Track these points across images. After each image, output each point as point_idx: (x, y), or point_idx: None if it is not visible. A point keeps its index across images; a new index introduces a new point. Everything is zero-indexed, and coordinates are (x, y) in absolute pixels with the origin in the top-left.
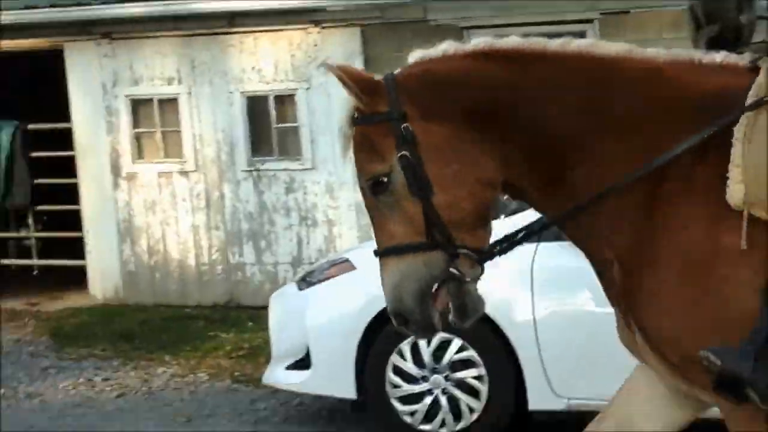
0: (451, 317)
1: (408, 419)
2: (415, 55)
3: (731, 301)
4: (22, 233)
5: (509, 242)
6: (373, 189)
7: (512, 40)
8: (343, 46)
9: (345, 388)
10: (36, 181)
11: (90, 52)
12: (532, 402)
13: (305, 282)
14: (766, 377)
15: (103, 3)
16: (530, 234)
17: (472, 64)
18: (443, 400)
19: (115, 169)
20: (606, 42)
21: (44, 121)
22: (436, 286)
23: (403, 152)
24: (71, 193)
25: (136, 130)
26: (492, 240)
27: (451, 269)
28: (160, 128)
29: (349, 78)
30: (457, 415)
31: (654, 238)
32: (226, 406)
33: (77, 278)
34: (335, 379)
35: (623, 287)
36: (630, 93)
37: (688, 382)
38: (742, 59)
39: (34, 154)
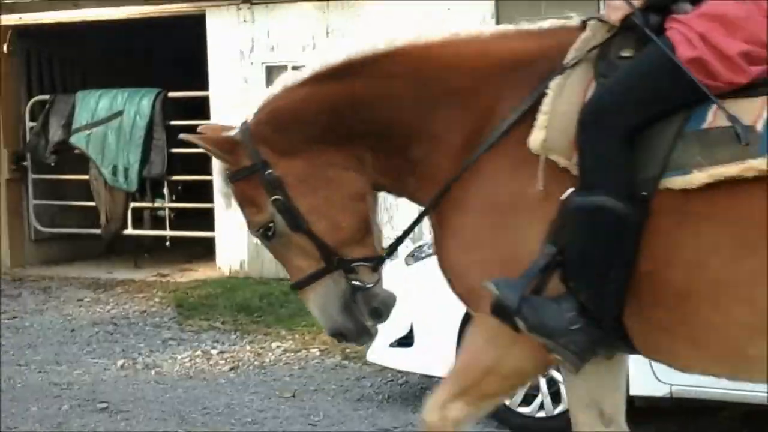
0: (369, 323)
1: (506, 401)
2: (261, 97)
3: (520, 240)
4: (157, 203)
5: (396, 242)
6: (264, 236)
7: (343, 54)
8: (475, 16)
9: (446, 367)
10: (171, 150)
11: (230, 18)
12: (633, 387)
13: (413, 257)
14: (530, 310)
15: None
16: (412, 228)
17: (309, 90)
18: (542, 382)
19: None
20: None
21: (185, 89)
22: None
23: (275, 197)
24: (205, 164)
25: None
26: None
27: (353, 282)
28: None
29: (208, 143)
30: (556, 399)
31: (468, 186)
32: (333, 382)
33: (208, 250)
34: (437, 357)
35: (436, 235)
36: (457, 71)
37: (474, 311)
38: (573, 21)
39: (172, 123)
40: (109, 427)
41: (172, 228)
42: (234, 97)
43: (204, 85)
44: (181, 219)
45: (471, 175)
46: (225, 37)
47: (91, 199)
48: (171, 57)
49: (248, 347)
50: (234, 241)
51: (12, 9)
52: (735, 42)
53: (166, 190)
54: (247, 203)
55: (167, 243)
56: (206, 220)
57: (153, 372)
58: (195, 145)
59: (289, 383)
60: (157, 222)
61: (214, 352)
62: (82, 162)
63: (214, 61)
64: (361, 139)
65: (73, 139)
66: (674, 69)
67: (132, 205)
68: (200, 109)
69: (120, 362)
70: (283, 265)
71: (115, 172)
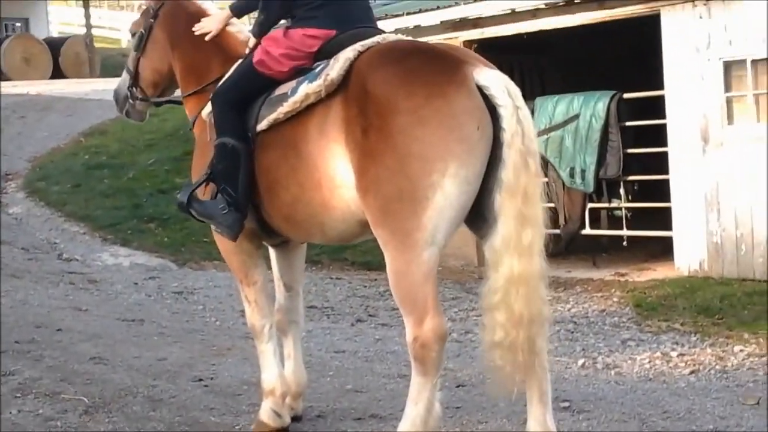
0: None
1: None
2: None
3: (201, 165)
4: (614, 203)
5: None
6: None
7: None
8: None
9: None
10: (626, 151)
11: (685, 15)
12: None
13: None
14: (197, 204)
15: None
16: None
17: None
18: None
19: (704, 136)
20: None
21: (639, 90)
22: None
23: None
24: (660, 163)
25: (728, 94)
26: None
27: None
28: (752, 91)
29: None
30: None
31: (198, 129)
32: None
33: (665, 250)
34: None
35: None
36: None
37: None
38: None
39: (626, 124)
40: (572, 427)
41: (629, 227)
42: (689, 94)
43: (658, 84)
44: (637, 218)
45: (201, 130)
46: (680, 34)
47: (550, 201)
48: (625, 58)
49: (709, 350)
50: (693, 240)
51: (476, 24)
52: (278, 48)
53: (622, 190)
54: None
55: (624, 242)
56: (663, 219)
57: (612, 372)
58: (651, 145)
59: (754, 390)
60: (614, 222)
61: (673, 354)
62: (541, 165)
63: (669, 60)
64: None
65: None
66: (251, 67)
67: (589, 205)
68: (655, 108)
69: (580, 361)
70: None
71: (572, 174)
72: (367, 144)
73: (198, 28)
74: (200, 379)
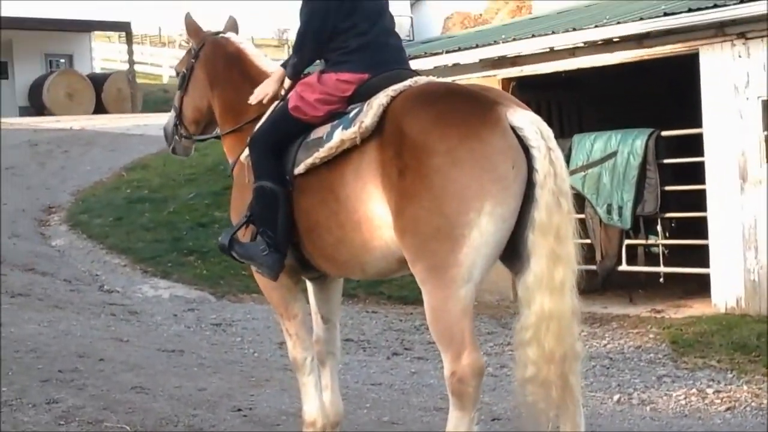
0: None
1: None
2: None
3: (241, 206)
4: (651, 240)
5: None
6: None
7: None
8: None
9: None
10: (664, 188)
11: (724, 54)
12: None
13: None
14: (238, 247)
15: (740, 2)
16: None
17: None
18: None
19: (743, 174)
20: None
21: (677, 127)
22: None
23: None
24: (698, 200)
25: (766, 133)
26: None
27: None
28: None
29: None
30: None
31: (238, 172)
32: None
33: (702, 287)
34: None
35: None
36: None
37: None
38: None
39: (664, 161)
40: None
41: (666, 264)
42: (728, 132)
43: (697, 121)
44: (674, 255)
45: (240, 172)
46: (719, 73)
47: (587, 237)
48: (662, 96)
49: (745, 387)
50: (730, 277)
51: (514, 62)
52: (313, 94)
53: (659, 227)
54: None
55: (661, 279)
56: (700, 256)
57: (648, 408)
58: (689, 182)
59: None
60: (651, 258)
61: (709, 390)
62: (578, 201)
63: (707, 98)
64: None
65: (570, 180)
66: (286, 112)
67: (626, 242)
68: (694, 145)
69: (616, 397)
70: None
71: (609, 211)
72: (403, 185)
73: (258, 95)
74: (239, 409)
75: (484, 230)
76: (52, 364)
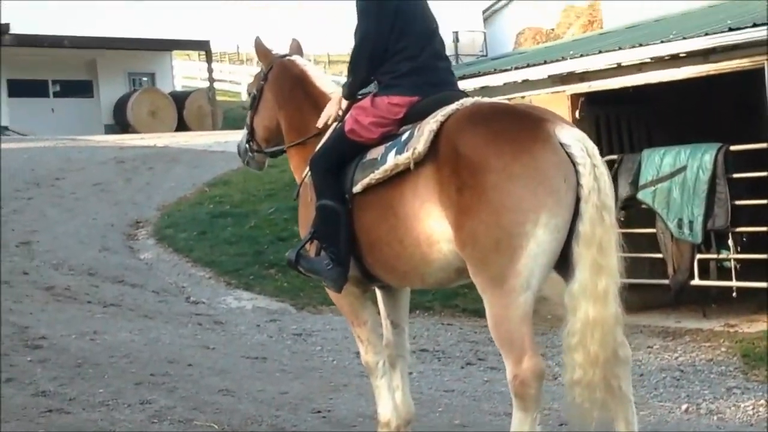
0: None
1: None
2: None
3: (307, 222)
4: (722, 255)
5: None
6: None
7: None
8: None
9: None
10: (735, 203)
11: None
12: None
13: None
14: (304, 261)
15: None
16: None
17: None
18: None
19: None
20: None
21: (746, 142)
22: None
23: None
24: None
25: None
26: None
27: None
28: None
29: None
30: None
31: (303, 189)
32: None
33: None
34: None
35: None
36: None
37: None
38: None
39: (735, 175)
40: None
41: (738, 279)
42: None
43: (765, 136)
44: (747, 270)
45: (304, 190)
46: None
47: (659, 251)
48: (730, 111)
49: None
50: None
51: (582, 78)
52: (367, 117)
53: (730, 242)
54: None
55: (734, 293)
56: None
57: (715, 418)
58: (761, 197)
59: None
60: (723, 273)
61: None
62: (649, 216)
63: None
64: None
65: (640, 195)
66: (343, 135)
67: (698, 256)
68: (762, 160)
69: (684, 406)
70: None
71: (680, 225)
72: (462, 201)
73: (324, 118)
74: (319, 411)
75: (541, 241)
76: (144, 369)
